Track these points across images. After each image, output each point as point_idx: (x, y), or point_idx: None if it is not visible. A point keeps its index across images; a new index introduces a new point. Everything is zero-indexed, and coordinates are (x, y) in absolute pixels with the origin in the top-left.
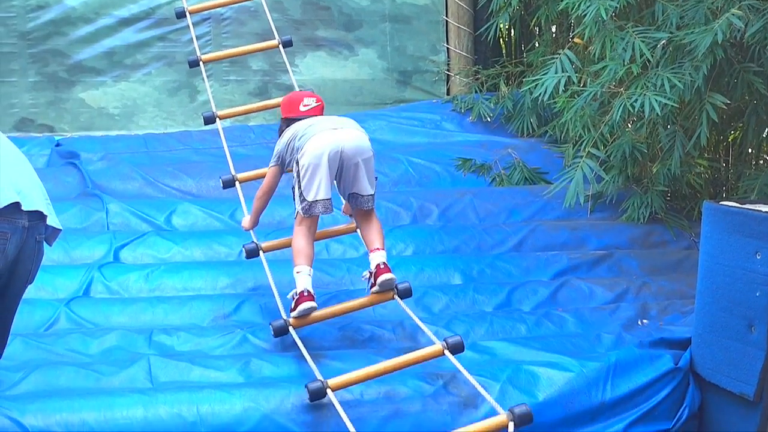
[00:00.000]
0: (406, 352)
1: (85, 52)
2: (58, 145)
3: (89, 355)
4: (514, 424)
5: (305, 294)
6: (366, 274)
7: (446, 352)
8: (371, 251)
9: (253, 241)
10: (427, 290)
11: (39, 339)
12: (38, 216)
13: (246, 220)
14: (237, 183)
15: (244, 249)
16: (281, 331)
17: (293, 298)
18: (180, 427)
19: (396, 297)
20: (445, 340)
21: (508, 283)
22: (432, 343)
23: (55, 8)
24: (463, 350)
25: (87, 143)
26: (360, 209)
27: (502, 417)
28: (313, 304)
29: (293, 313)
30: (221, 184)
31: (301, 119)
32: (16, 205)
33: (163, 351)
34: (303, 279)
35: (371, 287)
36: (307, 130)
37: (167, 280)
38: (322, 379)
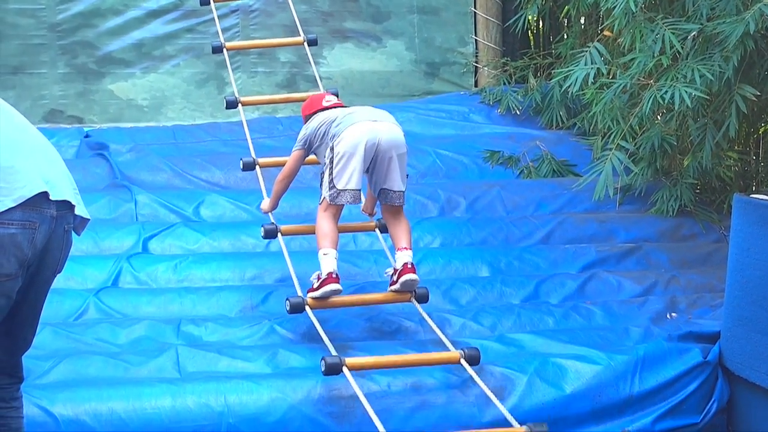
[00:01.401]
0: (433, 345)
1: (114, 44)
2: (87, 136)
3: (118, 344)
4: (465, 360)
5: (333, 276)
6: (389, 271)
7: (462, 360)
8: (398, 249)
9: (272, 222)
10: (454, 282)
11: (68, 328)
12: (66, 206)
13: (265, 203)
14: (258, 167)
15: (263, 228)
16: (297, 308)
17: (316, 280)
18: (207, 417)
19: (413, 300)
20: (463, 349)
21: (536, 276)
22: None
23: (85, 0)
24: (478, 363)
25: (116, 135)
26: (389, 205)
27: (519, 430)
28: (339, 287)
29: (316, 293)
30: (241, 166)
31: (331, 109)
32: (44, 195)
33: (191, 341)
34: (329, 261)
35: (391, 284)
36: (345, 117)
37: (195, 271)
38: (335, 353)
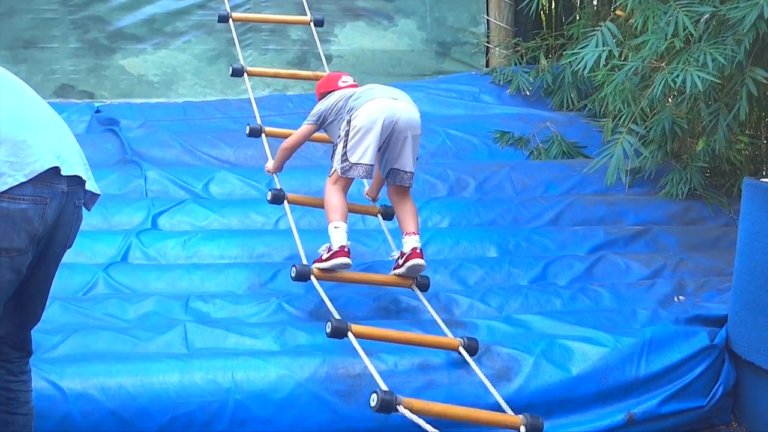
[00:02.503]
0: (439, 326)
1: (125, 20)
2: (97, 111)
3: (126, 320)
4: (464, 348)
5: (345, 249)
6: (395, 254)
7: (461, 349)
8: (406, 234)
9: (280, 188)
10: (462, 262)
11: (77, 303)
12: (77, 181)
13: (270, 163)
14: (264, 135)
15: (270, 192)
16: (303, 276)
17: (326, 251)
18: (215, 393)
19: (414, 287)
20: (463, 338)
21: (544, 257)
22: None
23: None
24: (476, 353)
25: (126, 110)
26: (397, 186)
27: (515, 419)
28: (349, 260)
29: (325, 264)
30: (247, 131)
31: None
32: (55, 170)
33: (199, 317)
34: (340, 234)
35: (396, 268)
36: (364, 92)
37: (204, 248)
38: (338, 317)
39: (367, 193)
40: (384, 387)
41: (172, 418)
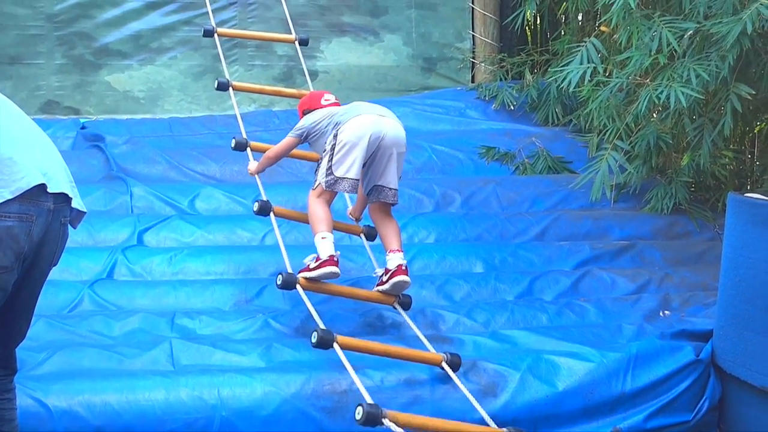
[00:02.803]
0: (426, 340)
1: (111, 36)
2: (83, 127)
3: (112, 337)
4: (447, 364)
5: (335, 259)
6: (379, 271)
7: (444, 364)
8: (390, 251)
9: (266, 199)
10: (448, 278)
11: (62, 320)
12: (63, 198)
13: (253, 164)
14: (249, 149)
15: (256, 202)
16: (288, 284)
17: (313, 261)
18: (201, 410)
19: (396, 305)
20: (446, 353)
21: (530, 272)
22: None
23: None
24: (458, 369)
25: (112, 126)
26: (380, 204)
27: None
28: (337, 270)
29: (312, 273)
30: (233, 144)
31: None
32: (41, 187)
33: (185, 334)
34: (328, 244)
35: (379, 284)
36: (351, 108)
37: (190, 264)
38: (323, 327)
39: (350, 213)
40: (370, 400)
41: None
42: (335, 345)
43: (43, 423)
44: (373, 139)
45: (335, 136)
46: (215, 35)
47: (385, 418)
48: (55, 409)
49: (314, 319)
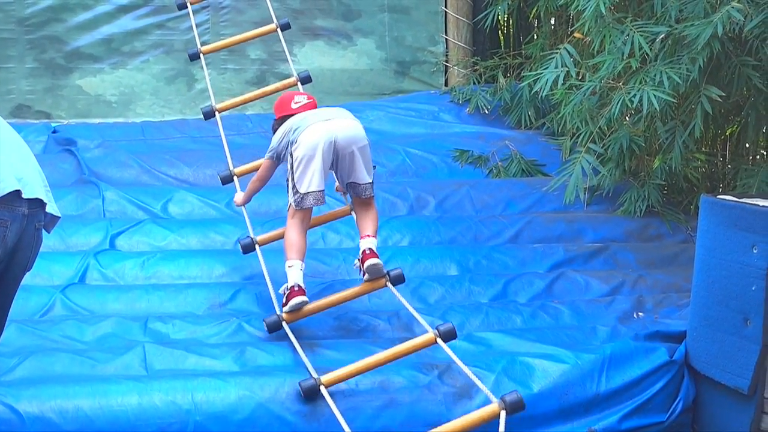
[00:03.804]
0: (401, 342)
1: (82, 39)
2: (54, 131)
3: (84, 342)
4: (506, 413)
5: (296, 289)
6: (357, 262)
7: (438, 340)
8: (362, 237)
9: (248, 236)
10: (423, 281)
11: (34, 325)
12: (38, 203)
13: (239, 196)
14: (235, 178)
15: (239, 244)
16: (275, 327)
17: (284, 293)
18: (174, 415)
19: (388, 284)
20: (437, 327)
21: (504, 275)
22: (426, 331)
23: None
24: (455, 338)
25: (84, 130)
26: (359, 198)
27: (494, 406)
28: (304, 298)
29: (285, 308)
30: (220, 181)
31: (292, 117)
32: (16, 193)
33: (158, 339)
34: (294, 273)
35: (363, 275)
36: (300, 122)
37: (163, 268)
38: (316, 376)
39: (337, 188)
40: (343, 423)
41: None
42: (321, 388)
43: (14, 429)
44: (326, 146)
45: (291, 154)
46: (201, 56)
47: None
48: (26, 415)
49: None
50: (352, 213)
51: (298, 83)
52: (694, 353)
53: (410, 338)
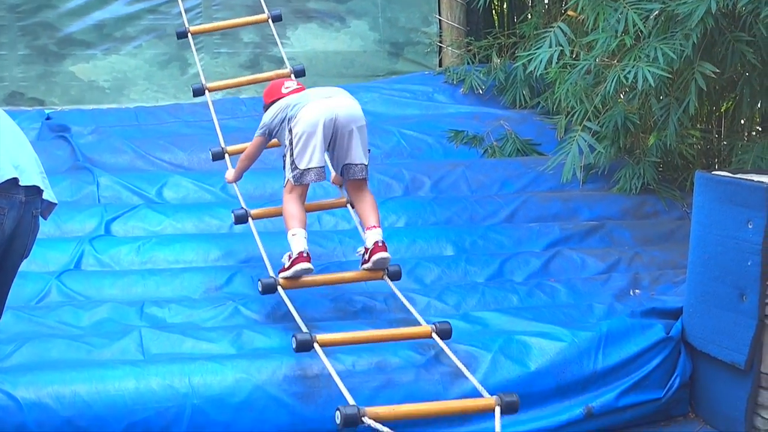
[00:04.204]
0: (397, 324)
1: (75, 25)
2: (48, 118)
3: (80, 327)
4: (501, 410)
5: (304, 255)
6: (361, 250)
7: (434, 335)
8: (367, 228)
9: (242, 207)
10: (419, 261)
11: (30, 312)
12: (35, 191)
13: (230, 173)
14: (227, 155)
15: (233, 214)
16: (269, 289)
17: (287, 260)
18: (172, 399)
19: (386, 278)
20: (434, 324)
21: (500, 254)
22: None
23: None
24: (450, 337)
25: (77, 117)
26: (353, 180)
27: (489, 401)
28: (310, 265)
29: (287, 273)
30: (210, 156)
31: (288, 95)
32: (13, 180)
33: (154, 323)
34: (299, 241)
35: (363, 263)
36: (300, 99)
37: (159, 253)
38: (308, 331)
39: (333, 180)
40: (347, 394)
41: (129, 425)
42: (316, 345)
43: (11, 415)
44: (327, 123)
45: (290, 130)
46: (189, 35)
47: (364, 416)
48: (24, 401)
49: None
50: (348, 206)
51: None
52: (691, 329)
53: (406, 319)
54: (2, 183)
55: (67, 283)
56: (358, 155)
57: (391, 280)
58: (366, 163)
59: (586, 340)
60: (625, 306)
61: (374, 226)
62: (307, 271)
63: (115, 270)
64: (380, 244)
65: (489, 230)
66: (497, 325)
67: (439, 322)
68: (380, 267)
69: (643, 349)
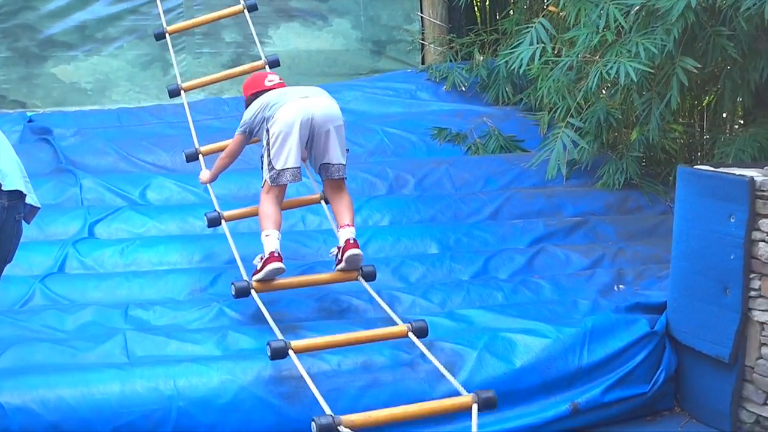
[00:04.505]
0: (383, 323)
1: (56, 27)
2: (30, 121)
3: (65, 331)
4: (478, 407)
5: (275, 255)
6: (334, 250)
7: (410, 334)
8: (340, 227)
9: (215, 210)
10: (404, 260)
11: (14, 316)
12: (17, 195)
13: (204, 174)
14: (200, 156)
15: (206, 217)
16: (243, 293)
17: (260, 261)
18: (157, 401)
19: (360, 278)
20: (410, 323)
21: (485, 252)
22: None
23: None
24: (426, 335)
25: (60, 119)
26: (330, 180)
27: (467, 398)
28: (281, 265)
29: (259, 275)
30: (185, 158)
31: (267, 92)
32: None
33: (139, 325)
34: (272, 241)
35: (337, 264)
36: (278, 99)
37: (143, 255)
38: (285, 340)
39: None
40: (323, 403)
41: (115, 429)
42: (290, 353)
43: None
44: (303, 122)
45: (267, 130)
46: (167, 35)
47: (340, 425)
48: (8, 406)
49: (278, 297)
50: (322, 202)
51: (266, 66)
52: (675, 324)
53: (391, 317)
54: None
55: (51, 287)
56: (335, 155)
57: (366, 281)
58: (344, 163)
59: (571, 336)
60: (610, 301)
61: (348, 225)
62: (279, 271)
63: (99, 272)
64: (351, 242)
65: (473, 227)
66: (482, 322)
67: (414, 321)
68: (353, 264)
69: (628, 344)
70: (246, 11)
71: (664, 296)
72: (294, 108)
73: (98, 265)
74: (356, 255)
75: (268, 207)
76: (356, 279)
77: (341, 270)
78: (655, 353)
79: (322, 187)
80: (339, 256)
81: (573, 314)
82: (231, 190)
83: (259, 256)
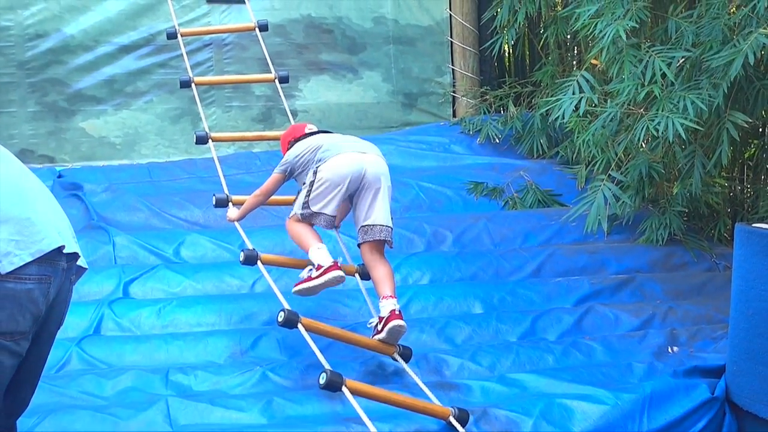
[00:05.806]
0: (430, 386)
1: (84, 81)
2: (60, 176)
3: (104, 397)
4: (455, 418)
5: (337, 263)
6: (373, 321)
7: (452, 419)
8: (383, 297)
9: (253, 248)
10: (448, 320)
11: (51, 381)
12: (73, 257)
13: (232, 211)
14: (230, 204)
15: (241, 253)
16: (290, 323)
17: (314, 270)
18: None
19: (397, 356)
20: (453, 407)
21: (531, 311)
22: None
23: (54, 36)
24: (466, 425)
25: (89, 174)
26: (372, 245)
27: (445, 409)
28: (342, 274)
29: (316, 281)
30: (213, 202)
31: (313, 135)
32: (58, 248)
33: (180, 391)
34: (324, 253)
35: (376, 333)
36: (333, 144)
37: (180, 316)
38: (341, 374)
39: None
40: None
41: None
42: (344, 388)
43: None
44: (354, 178)
45: (315, 172)
46: (192, 84)
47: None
48: None
49: (320, 362)
50: (356, 275)
51: (276, 81)
52: (735, 388)
53: (439, 381)
54: (50, 251)
55: (88, 350)
56: (380, 216)
57: (403, 359)
58: (391, 227)
59: (630, 402)
60: (666, 365)
61: (390, 296)
62: (340, 280)
63: (137, 335)
64: (397, 312)
65: (517, 286)
66: (535, 387)
67: (459, 408)
68: (395, 337)
69: (689, 410)
70: (277, 82)
71: (721, 359)
72: (349, 160)
73: (135, 326)
74: (400, 326)
75: (302, 228)
76: (392, 355)
77: (381, 341)
78: (715, 420)
79: (361, 252)
80: (380, 327)
81: (629, 378)
82: (266, 246)
83: (308, 267)
